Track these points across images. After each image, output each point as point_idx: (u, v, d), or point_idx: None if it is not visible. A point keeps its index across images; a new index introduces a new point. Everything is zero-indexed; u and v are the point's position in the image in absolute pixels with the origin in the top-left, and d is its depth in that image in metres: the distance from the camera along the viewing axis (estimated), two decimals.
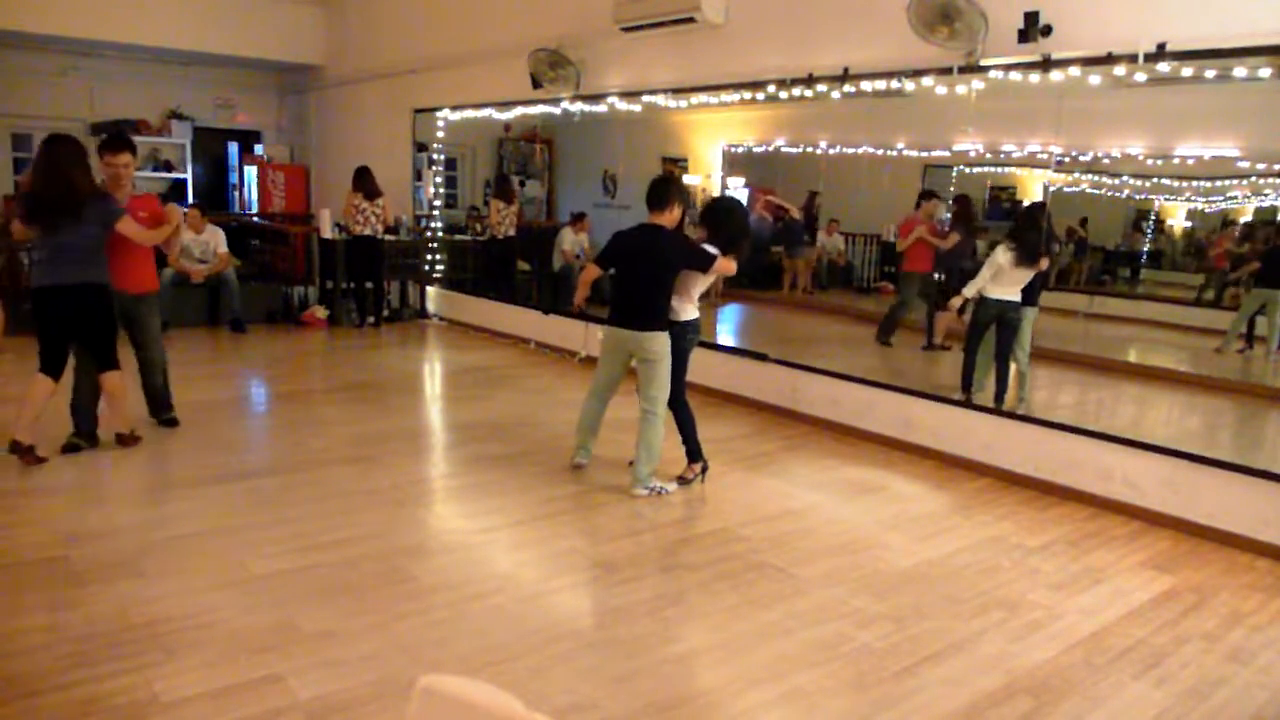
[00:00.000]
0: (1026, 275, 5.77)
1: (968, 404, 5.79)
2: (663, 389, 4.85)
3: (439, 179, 10.71)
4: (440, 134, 10.30)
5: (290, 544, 4.04)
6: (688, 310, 4.95)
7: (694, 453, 5.12)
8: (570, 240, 9.91)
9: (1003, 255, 5.74)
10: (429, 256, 10.63)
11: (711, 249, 4.83)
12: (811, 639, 3.39)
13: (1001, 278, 5.79)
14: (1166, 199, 6.76)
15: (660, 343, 4.78)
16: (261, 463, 5.24)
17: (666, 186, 4.83)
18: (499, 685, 1.36)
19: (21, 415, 4.84)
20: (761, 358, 6.97)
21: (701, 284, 4.96)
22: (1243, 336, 6.45)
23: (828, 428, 6.42)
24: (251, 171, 12.99)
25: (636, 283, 4.80)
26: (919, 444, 5.90)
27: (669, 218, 4.81)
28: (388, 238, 9.96)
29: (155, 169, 12.52)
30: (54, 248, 4.78)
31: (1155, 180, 6.72)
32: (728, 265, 4.86)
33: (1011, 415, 5.55)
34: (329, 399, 6.88)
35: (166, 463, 5.13)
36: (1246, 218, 6.48)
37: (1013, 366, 5.91)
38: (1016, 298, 5.80)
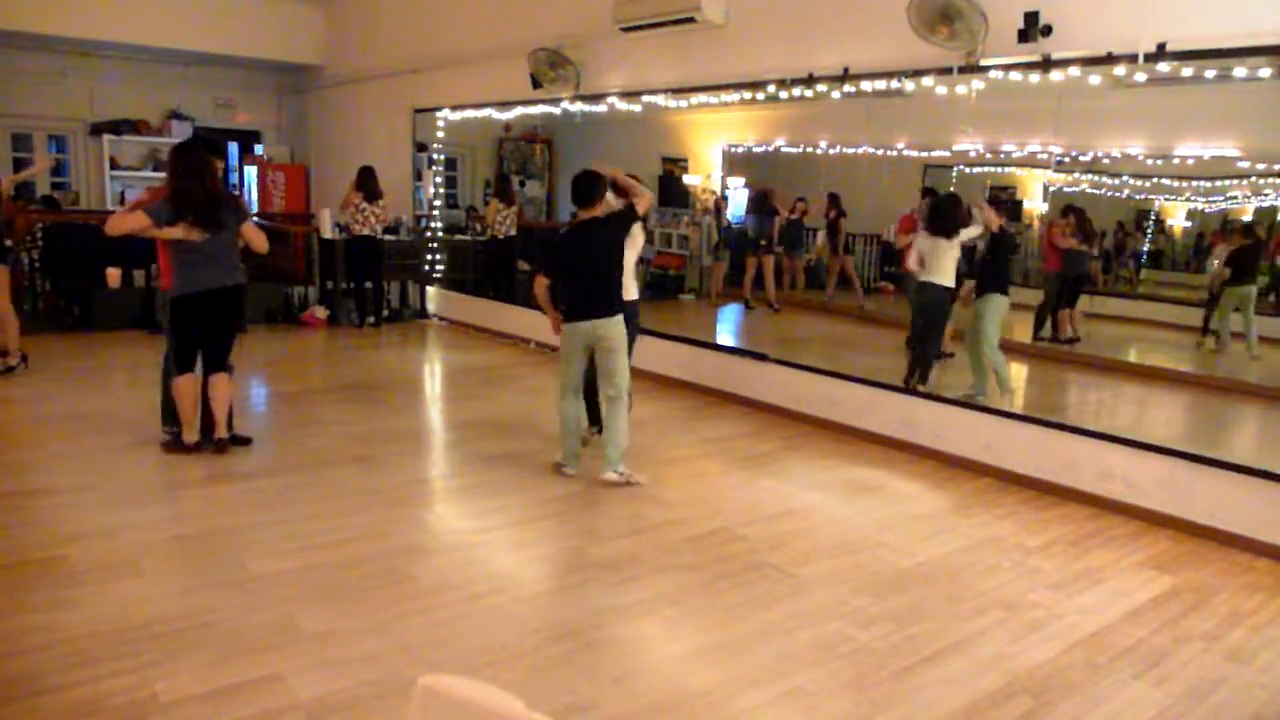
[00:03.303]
0: (950, 252, 5.96)
1: (965, 401, 5.79)
2: (625, 374, 5.01)
3: (439, 179, 10.71)
4: (440, 134, 10.30)
5: (290, 544, 4.04)
6: (631, 290, 5.25)
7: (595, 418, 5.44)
8: None
9: (921, 239, 6.08)
10: (429, 256, 10.63)
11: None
12: (811, 639, 3.39)
13: (930, 259, 6.03)
14: (1166, 199, 6.76)
15: (619, 328, 4.95)
16: (261, 463, 5.24)
17: (592, 185, 5.00)
18: (499, 685, 1.36)
19: (187, 419, 5.10)
20: (761, 358, 6.97)
21: (635, 251, 5.21)
22: (1213, 333, 6.53)
23: (828, 428, 6.41)
24: (251, 171, 12.99)
25: (590, 279, 4.95)
26: (919, 444, 5.90)
27: (600, 209, 5.00)
28: (388, 238, 9.97)
29: (155, 169, 12.50)
30: (206, 252, 4.92)
31: (1155, 180, 6.72)
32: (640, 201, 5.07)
33: (1012, 415, 5.55)
34: (329, 399, 6.88)
35: (167, 463, 5.12)
36: (1247, 217, 6.48)
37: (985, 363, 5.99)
38: (947, 282, 6.00)
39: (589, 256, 4.95)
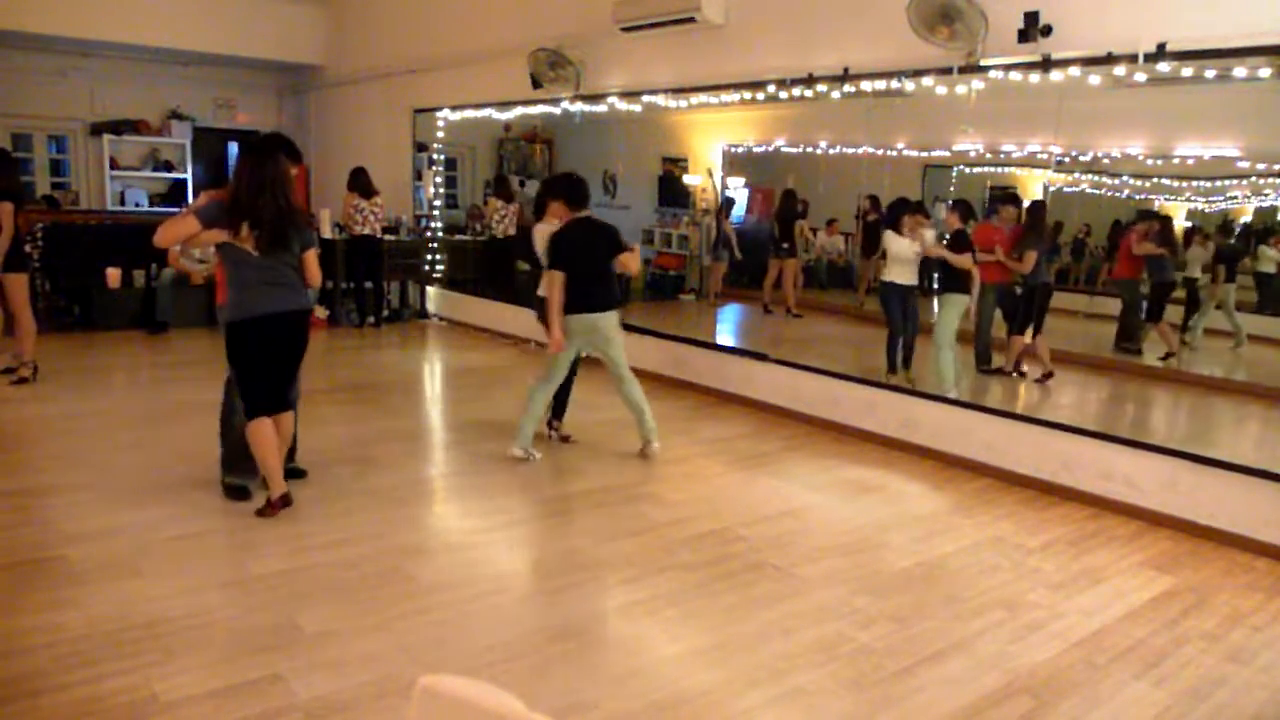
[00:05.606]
0: (907, 255, 6.41)
1: (965, 402, 5.79)
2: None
3: (439, 179, 10.71)
4: (440, 134, 10.30)
5: (290, 544, 4.04)
6: None
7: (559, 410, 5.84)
8: None
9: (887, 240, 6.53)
10: (429, 256, 10.63)
11: None
12: (811, 639, 3.39)
13: (893, 261, 6.51)
14: (1166, 199, 6.76)
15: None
16: None
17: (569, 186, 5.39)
18: (499, 685, 1.36)
19: (270, 468, 4.32)
20: (762, 358, 6.97)
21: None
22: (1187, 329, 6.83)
23: (828, 428, 6.41)
24: None
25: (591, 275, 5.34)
26: (919, 444, 5.90)
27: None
28: (387, 237, 9.97)
29: (155, 169, 12.52)
30: (267, 270, 4.20)
31: (1155, 180, 6.72)
32: None
33: (1012, 415, 5.55)
34: (329, 399, 6.87)
35: (166, 463, 5.12)
36: (1246, 218, 6.49)
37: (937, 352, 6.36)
38: (908, 281, 6.49)
39: (591, 253, 5.26)
